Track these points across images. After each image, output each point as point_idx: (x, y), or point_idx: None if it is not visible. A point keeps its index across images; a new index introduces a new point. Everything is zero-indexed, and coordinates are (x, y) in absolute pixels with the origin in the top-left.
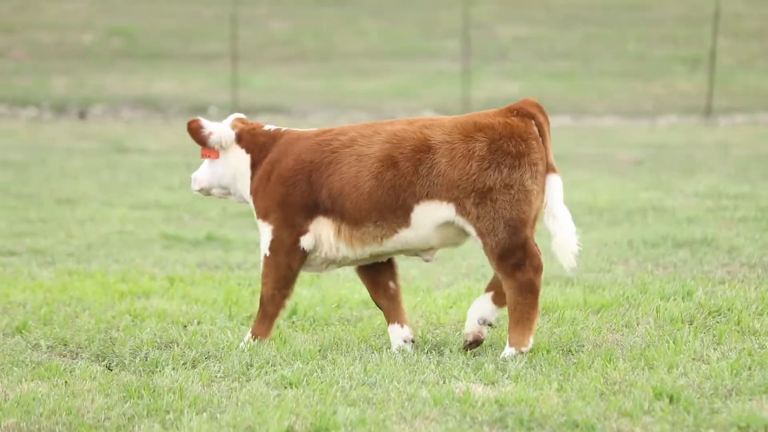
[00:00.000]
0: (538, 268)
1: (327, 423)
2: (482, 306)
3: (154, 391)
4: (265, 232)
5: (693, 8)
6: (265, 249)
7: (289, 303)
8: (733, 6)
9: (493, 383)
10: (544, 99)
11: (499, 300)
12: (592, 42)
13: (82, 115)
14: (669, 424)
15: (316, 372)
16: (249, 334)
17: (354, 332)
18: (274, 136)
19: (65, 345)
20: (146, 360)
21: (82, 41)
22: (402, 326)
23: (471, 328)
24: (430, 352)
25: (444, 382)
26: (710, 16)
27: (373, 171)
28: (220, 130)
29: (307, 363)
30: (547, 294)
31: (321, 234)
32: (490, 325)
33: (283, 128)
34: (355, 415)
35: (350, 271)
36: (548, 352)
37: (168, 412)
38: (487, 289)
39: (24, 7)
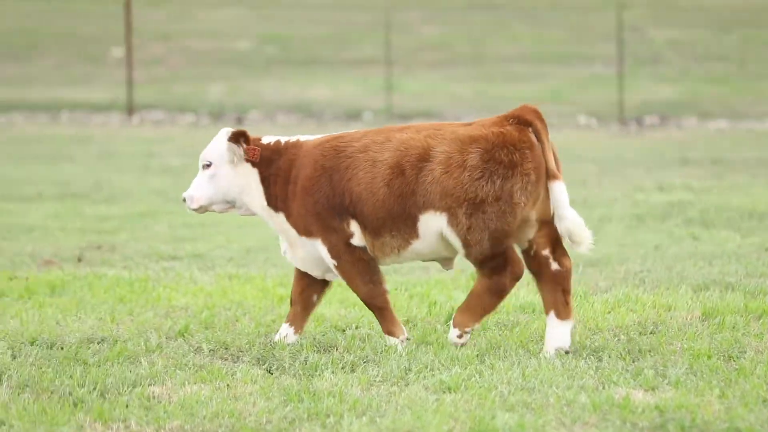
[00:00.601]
0: (516, 276)
1: (486, 428)
2: (554, 336)
3: (314, 394)
4: (319, 247)
5: None
6: (330, 260)
7: (389, 288)
8: None
9: (653, 389)
10: (699, 102)
11: (562, 314)
12: (749, 44)
13: (239, 121)
14: None
15: (475, 377)
16: (389, 338)
17: (511, 337)
18: (276, 149)
19: (226, 348)
20: (306, 364)
21: (238, 48)
22: (295, 333)
23: (551, 353)
24: (589, 358)
25: (603, 388)
26: None
27: (385, 178)
28: (236, 147)
29: (466, 368)
30: (706, 299)
31: (362, 236)
32: (566, 352)
33: (283, 139)
34: (514, 420)
35: None
36: (709, 357)
37: (328, 416)
38: (547, 311)
39: (181, 16)
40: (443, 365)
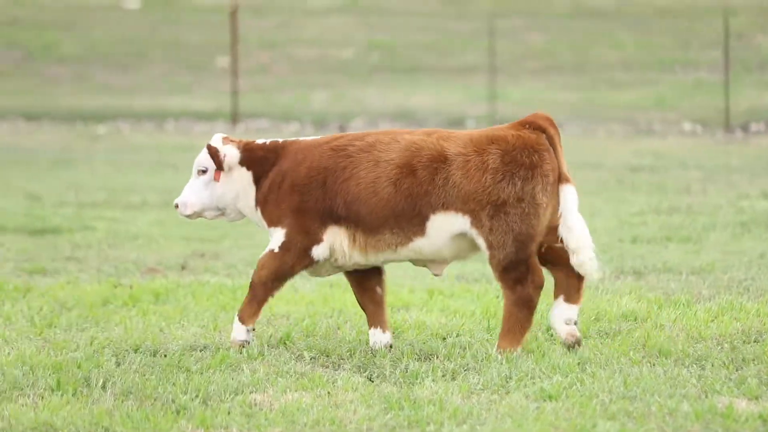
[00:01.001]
0: (539, 285)
1: None
2: (561, 311)
3: (414, 402)
4: (278, 234)
5: None
6: (275, 245)
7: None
8: None
9: (756, 398)
10: None
11: (572, 298)
12: None
13: (342, 128)
14: None
15: (576, 385)
16: (237, 319)
17: (613, 345)
18: (273, 149)
19: (327, 356)
20: (406, 371)
21: (342, 56)
22: (384, 332)
23: (563, 331)
24: (691, 366)
25: (706, 397)
26: None
27: (391, 177)
28: (229, 151)
29: (567, 376)
30: None
31: (334, 243)
32: (575, 323)
33: (281, 140)
34: (615, 429)
35: (610, 285)
36: None
37: (428, 424)
38: (556, 295)
39: (286, 24)
40: (544, 373)
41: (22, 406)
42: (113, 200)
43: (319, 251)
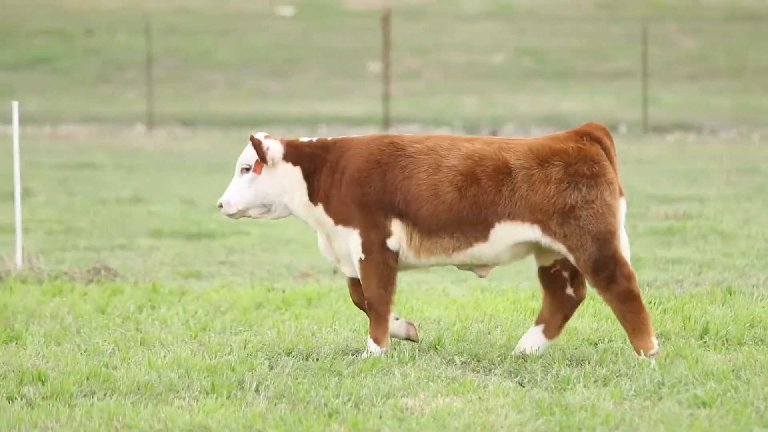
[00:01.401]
0: (630, 277)
1: None
2: (534, 340)
3: (566, 408)
4: (352, 237)
5: None
6: (358, 253)
7: (395, 299)
8: None
9: None
10: None
11: (549, 333)
12: None
13: (494, 133)
14: None
15: (730, 392)
16: (370, 340)
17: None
18: (321, 146)
19: (478, 361)
20: (558, 377)
21: (493, 61)
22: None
23: (523, 349)
24: None
25: None
26: None
27: (455, 183)
28: (272, 145)
29: (720, 382)
30: None
31: (400, 238)
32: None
33: (329, 138)
34: None
35: (765, 291)
36: None
37: (580, 429)
38: (537, 322)
39: (437, 30)
40: (697, 380)
41: (178, 408)
42: None
43: (392, 243)
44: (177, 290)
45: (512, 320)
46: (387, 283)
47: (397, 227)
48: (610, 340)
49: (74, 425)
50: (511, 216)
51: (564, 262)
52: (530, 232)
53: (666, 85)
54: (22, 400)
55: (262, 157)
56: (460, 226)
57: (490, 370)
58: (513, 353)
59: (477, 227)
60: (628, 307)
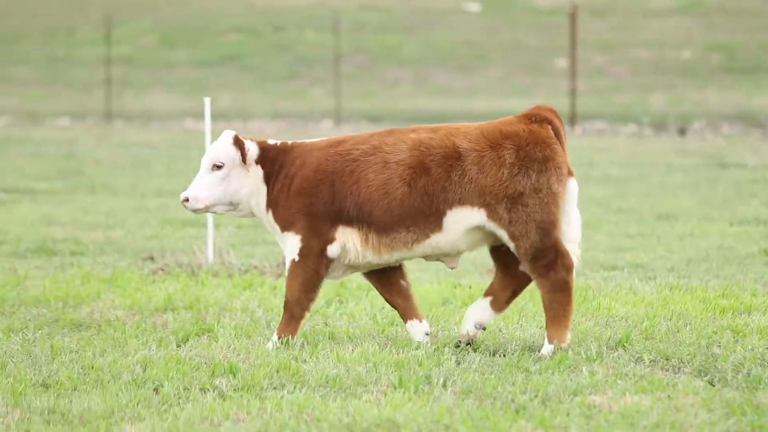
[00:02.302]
0: (569, 267)
1: None
2: (480, 312)
3: (757, 407)
4: (292, 241)
5: None
6: (293, 254)
7: (313, 305)
8: None
9: None
10: None
11: (497, 305)
12: None
13: (682, 131)
14: None
15: None
16: (275, 336)
17: None
18: (282, 150)
19: (667, 359)
20: (749, 376)
21: (681, 57)
22: (420, 321)
23: (467, 330)
24: None
25: None
26: None
27: (404, 177)
28: (251, 146)
29: None
30: None
31: (347, 243)
32: (483, 328)
33: (289, 142)
34: None
35: None
36: None
37: None
38: (486, 294)
39: (625, 26)
40: None
41: (366, 402)
42: None
43: (332, 250)
44: (364, 285)
45: (701, 318)
46: (311, 290)
47: (344, 233)
48: None
49: (264, 417)
50: (461, 201)
51: None
52: (477, 216)
53: None
54: (214, 391)
55: (244, 158)
56: (414, 218)
57: (679, 368)
58: (459, 332)
59: (430, 218)
60: (559, 296)
